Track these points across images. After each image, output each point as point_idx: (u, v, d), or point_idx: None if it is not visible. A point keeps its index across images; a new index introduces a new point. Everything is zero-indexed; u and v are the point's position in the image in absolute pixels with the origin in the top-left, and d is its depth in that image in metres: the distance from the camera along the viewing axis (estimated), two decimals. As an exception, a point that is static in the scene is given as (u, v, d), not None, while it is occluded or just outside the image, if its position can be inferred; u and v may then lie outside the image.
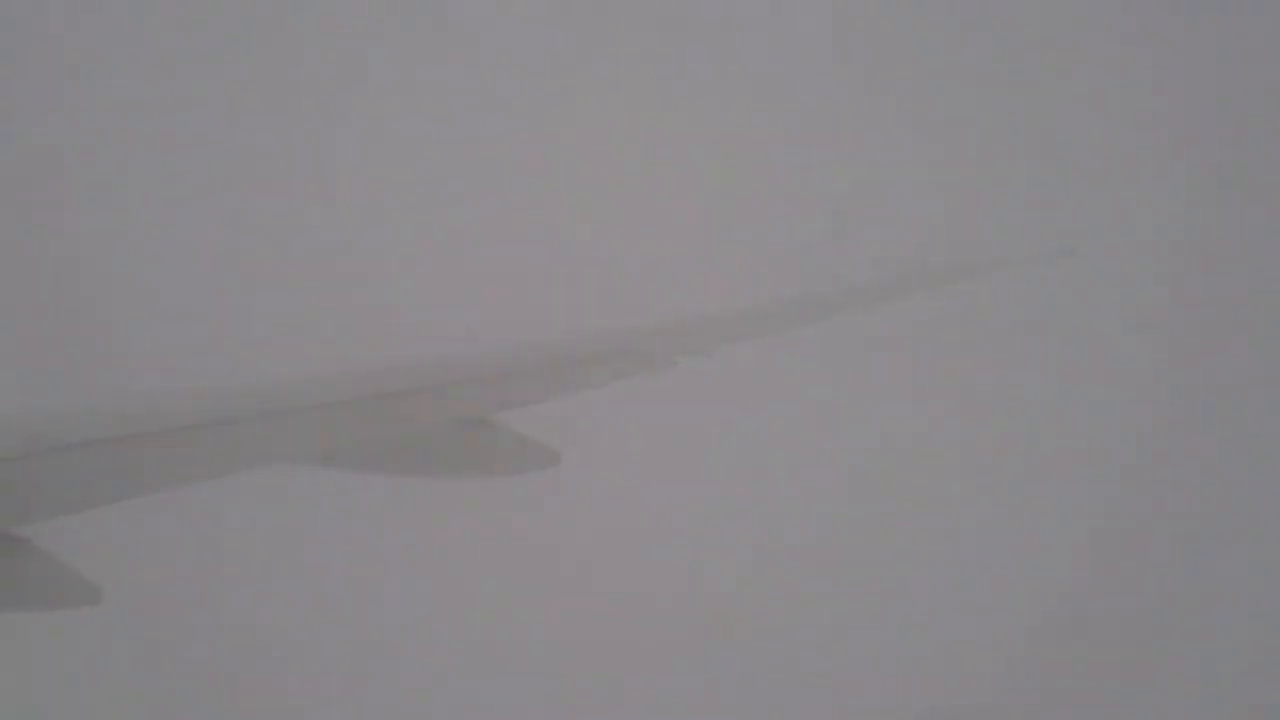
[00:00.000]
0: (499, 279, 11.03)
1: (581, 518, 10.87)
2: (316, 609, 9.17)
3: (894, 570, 12.27)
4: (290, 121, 10.92)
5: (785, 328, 8.30)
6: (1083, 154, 14.12)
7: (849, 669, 11.72)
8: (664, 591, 11.38)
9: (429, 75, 11.77)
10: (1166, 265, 13.99)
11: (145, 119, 10.34)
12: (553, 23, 12.14)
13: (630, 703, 10.88)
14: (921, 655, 12.03)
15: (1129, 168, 14.15)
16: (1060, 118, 14.24)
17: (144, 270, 9.81)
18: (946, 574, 12.53)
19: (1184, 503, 13.46)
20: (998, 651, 12.20)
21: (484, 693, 9.95)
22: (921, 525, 12.60)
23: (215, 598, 8.63)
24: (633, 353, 7.09)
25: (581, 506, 10.48)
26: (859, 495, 12.38)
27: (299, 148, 10.88)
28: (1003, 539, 12.81)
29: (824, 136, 13.30)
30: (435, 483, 6.11)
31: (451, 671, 9.91)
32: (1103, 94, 14.25)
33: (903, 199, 13.29)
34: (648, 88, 12.68)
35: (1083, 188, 13.98)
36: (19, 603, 4.79)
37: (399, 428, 5.82)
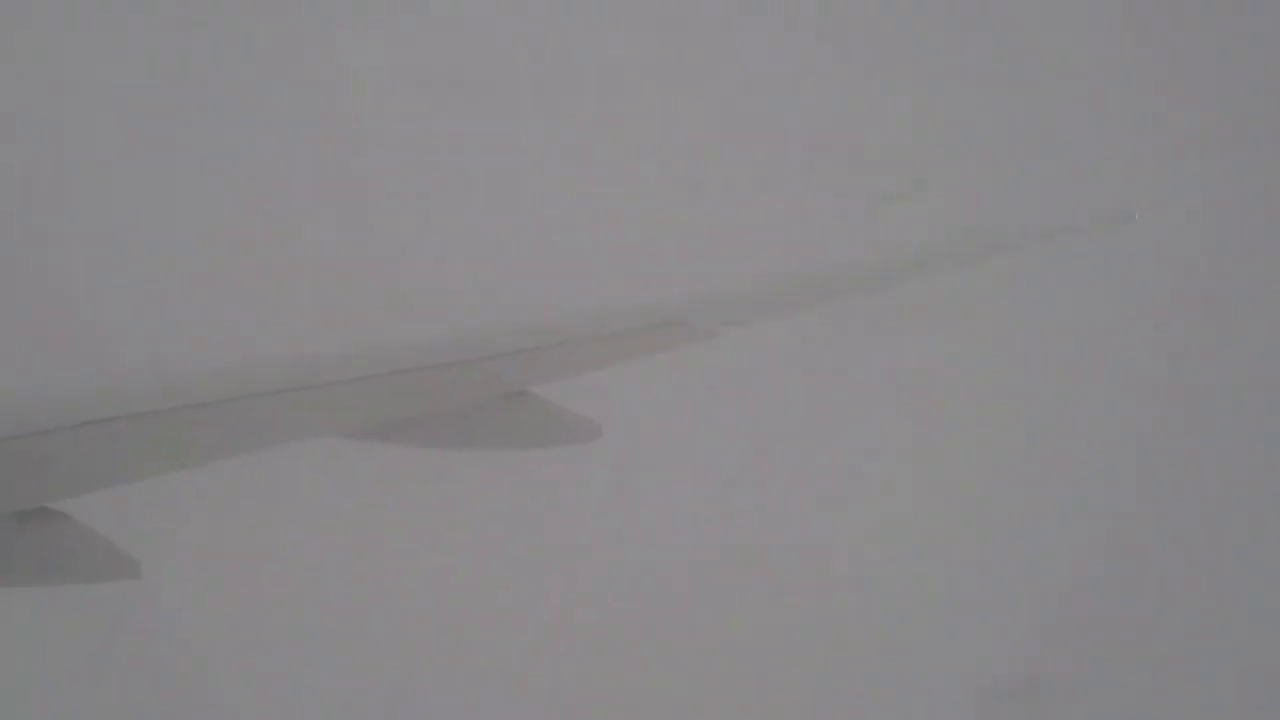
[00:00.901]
0: (540, 247, 10.94)
1: (623, 491, 10.81)
2: (355, 582, 9.17)
3: (948, 546, 12.13)
4: (315, 95, 10.87)
5: (830, 298, 8.18)
6: (1152, 116, 13.84)
7: (899, 642, 11.65)
8: (706, 566, 11.31)
9: (468, 36, 11.67)
10: (1226, 236, 13.71)
11: (152, 116, 10.32)
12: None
13: (672, 679, 10.83)
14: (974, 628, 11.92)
15: (1197, 132, 13.84)
16: (1127, 81, 13.94)
17: (182, 247, 9.83)
18: (1007, 546, 12.38)
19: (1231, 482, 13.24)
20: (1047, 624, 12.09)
21: (517, 668, 9.93)
22: (967, 499, 12.46)
23: (255, 571, 8.65)
24: (675, 323, 7.00)
25: (623, 479, 10.42)
26: (909, 468, 12.24)
27: (326, 122, 10.83)
28: (1049, 518, 12.66)
29: (872, 97, 13.11)
30: (475, 455, 6.07)
31: (487, 649, 9.89)
32: (1181, 59, 13.93)
33: (956, 170, 13.09)
34: (704, 45, 12.51)
35: (1147, 153, 13.68)
36: (58, 576, 4.79)
37: (438, 400, 5.78)
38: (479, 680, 9.87)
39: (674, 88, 12.17)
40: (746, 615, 11.39)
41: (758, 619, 11.42)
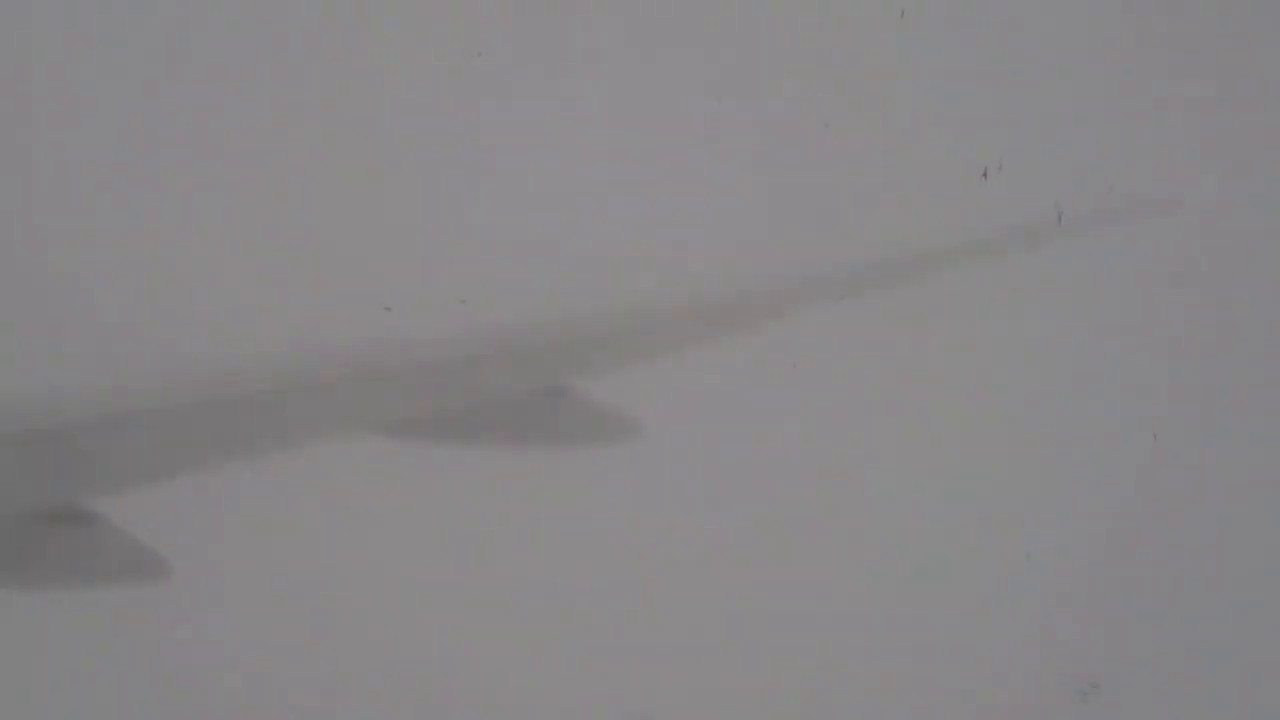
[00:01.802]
0: (576, 240, 10.88)
1: (665, 489, 10.71)
2: (384, 583, 9.14)
3: (1013, 555, 11.98)
4: (348, 90, 10.86)
5: (875, 290, 8.11)
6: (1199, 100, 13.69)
7: (932, 640, 11.53)
8: (748, 566, 11.20)
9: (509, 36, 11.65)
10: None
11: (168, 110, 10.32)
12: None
13: (706, 682, 10.75)
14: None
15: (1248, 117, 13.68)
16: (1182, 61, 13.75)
17: (215, 240, 9.82)
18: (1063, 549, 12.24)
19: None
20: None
21: (549, 671, 9.85)
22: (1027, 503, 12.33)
23: (289, 571, 8.62)
24: (719, 317, 6.94)
25: (665, 478, 10.33)
26: (965, 468, 12.09)
27: (358, 113, 10.80)
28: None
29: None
30: (510, 454, 6.01)
31: (517, 651, 9.82)
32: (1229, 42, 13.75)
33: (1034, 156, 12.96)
34: (751, 34, 12.42)
35: (1194, 137, 13.52)
36: (87, 579, 4.75)
37: (472, 397, 5.71)
38: (509, 682, 9.82)
39: (720, 78, 12.07)
40: (787, 617, 11.30)
41: (797, 620, 11.34)
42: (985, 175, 13.03)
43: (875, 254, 8.53)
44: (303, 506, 8.48)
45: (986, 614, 11.78)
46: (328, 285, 9.90)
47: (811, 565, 11.58)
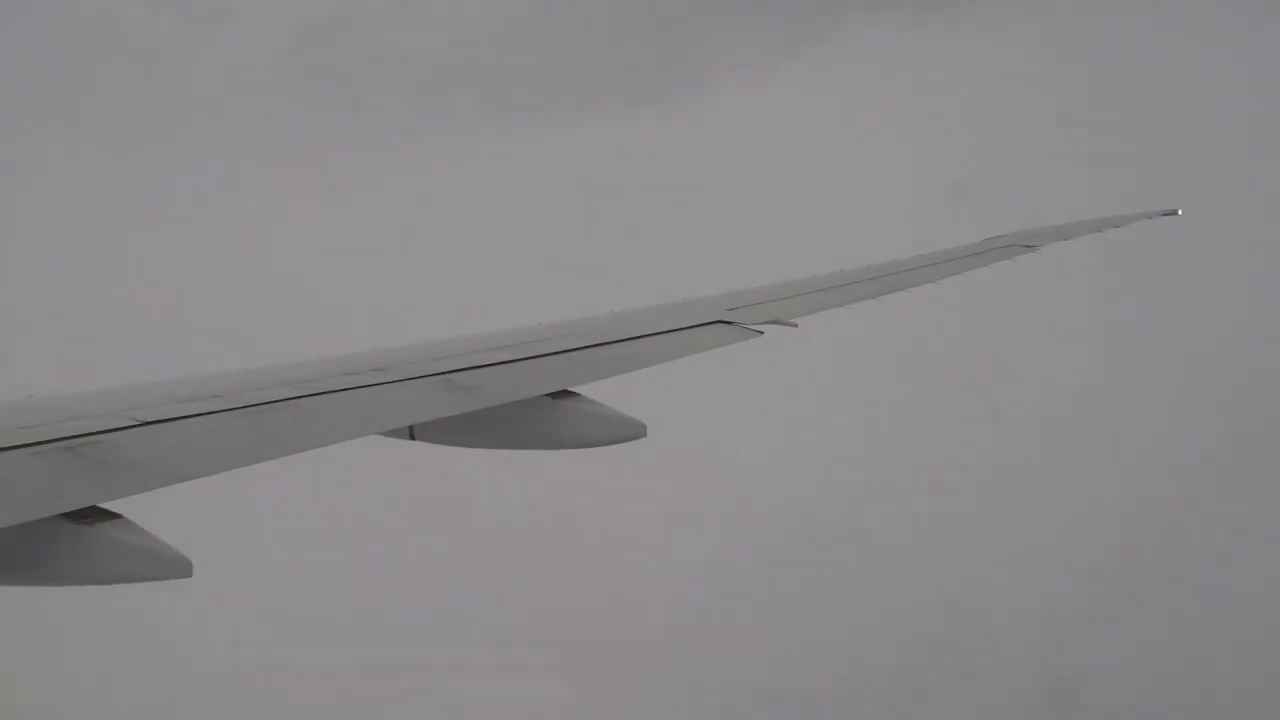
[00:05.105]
0: (586, 248, 10.98)
1: (669, 487, 10.83)
2: (401, 578, 9.24)
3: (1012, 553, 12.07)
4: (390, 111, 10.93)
5: (872, 296, 8.18)
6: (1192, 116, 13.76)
7: (934, 635, 11.60)
8: (746, 562, 11.29)
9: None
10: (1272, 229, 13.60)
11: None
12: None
13: (706, 677, 10.83)
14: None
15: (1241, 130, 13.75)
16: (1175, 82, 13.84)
17: (238, 252, 9.93)
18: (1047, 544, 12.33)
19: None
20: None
21: (556, 660, 9.97)
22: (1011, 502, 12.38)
23: (306, 570, 8.72)
24: (719, 322, 7.03)
25: (668, 476, 10.43)
26: (958, 465, 12.21)
27: (384, 134, 10.90)
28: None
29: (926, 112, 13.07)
30: (522, 454, 6.08)
31: (525, 641, 9.94)
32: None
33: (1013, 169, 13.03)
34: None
35: (1190, 150, 13.61)
36: (114, 575, 4.82)
37: (486, 399, 5.79)
38: (523, 669, 9.92)
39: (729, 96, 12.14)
40: (786, 610, 11.37)
41: (797, 613, 11.41)
42: (961, 190, 13.15)
43: (868, 264, 8.64)
44: (320, 506, 8.55)
45: (969, 607, 11.88)
46: (341, 298, 9.99)
47: (805, 557, 11.68)
